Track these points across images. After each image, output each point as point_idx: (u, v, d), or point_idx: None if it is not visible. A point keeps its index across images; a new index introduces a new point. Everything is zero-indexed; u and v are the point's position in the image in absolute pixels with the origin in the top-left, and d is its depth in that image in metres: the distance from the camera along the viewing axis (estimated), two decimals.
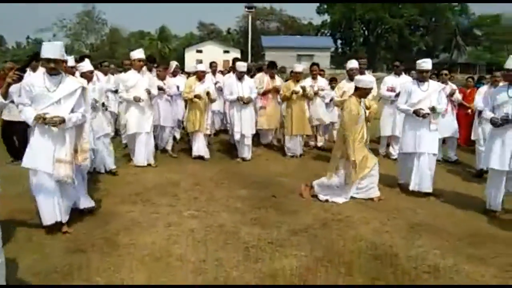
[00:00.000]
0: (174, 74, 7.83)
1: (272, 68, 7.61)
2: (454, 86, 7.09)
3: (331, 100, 7.44)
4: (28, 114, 3.47)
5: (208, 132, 6.85)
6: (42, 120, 3.38)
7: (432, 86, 5.15)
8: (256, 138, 7.70)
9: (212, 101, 6.74)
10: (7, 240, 3.43)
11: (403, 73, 7.12)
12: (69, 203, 3.82)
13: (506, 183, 4.38)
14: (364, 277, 3.09)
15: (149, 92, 6.01)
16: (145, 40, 50.27)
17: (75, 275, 3.03)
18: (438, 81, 6.12)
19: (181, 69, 9.18)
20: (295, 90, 6.71)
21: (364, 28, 53.80)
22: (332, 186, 4.80)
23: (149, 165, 6.21)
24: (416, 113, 4.97)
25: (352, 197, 4.83)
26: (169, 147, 7.16)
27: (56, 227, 3.67)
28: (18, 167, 5.72)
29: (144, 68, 6.28)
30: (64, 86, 3.58)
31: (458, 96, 7.08)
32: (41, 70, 3.70)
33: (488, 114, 4.46)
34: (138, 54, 6.10)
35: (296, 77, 6.94)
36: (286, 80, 7.78)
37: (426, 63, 5.11)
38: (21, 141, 6.08)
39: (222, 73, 9.79)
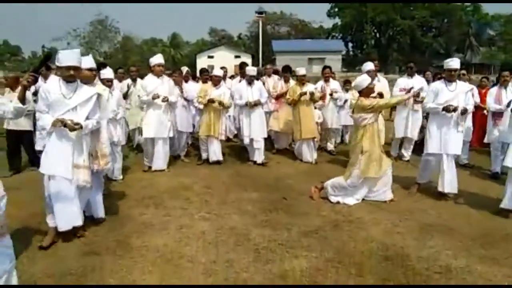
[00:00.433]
0: (185, 80, 7.91)
1: (286, 72, 7.63)
2: (473, 87, 6.99)
3: (345, 102, 7.46)
4: (46, 121, 3.48)
5: (222, 137, 6.82)
6: (61, 124, 3.40)
7: (460, 87, 4.97)
8: (270, 143, 7.70)
9: (226, 107, 6.74)
10: (23, 244, 3.53)
11: (416, 74, 7.04)
12: (84, 207, 3.89)
13: None
14: (374, 278, 3.08)
15: (166, 100, 6.03)
16: (158, 47, 50.69)
17: (89, 277, 3.09)
18: None
19: (192, 75, 9.24)
20: (302, 92, 6.66)
21: (375, 31, 53.56)
22: (345, 186, 4.78)
23: (162, 170, 6.27)
24: (446, 109, 4.80)
25: (364, 200, 4.81)
26: (183, 152, 7.20)
27: (71, 232, 3.70)
28: (26, 174, 5.93)
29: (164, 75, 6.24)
30: (80, 93, 3.61)
31: (477, 97, 6.89)
32: (54, 77, 3.76)
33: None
34: (158, 59, 6.14)
35: (301, 80, 6.89)
36: None
37: (454, 62, 4.93)
38: (30, 150, 6.10)
39: (233, 77, 9.86)
